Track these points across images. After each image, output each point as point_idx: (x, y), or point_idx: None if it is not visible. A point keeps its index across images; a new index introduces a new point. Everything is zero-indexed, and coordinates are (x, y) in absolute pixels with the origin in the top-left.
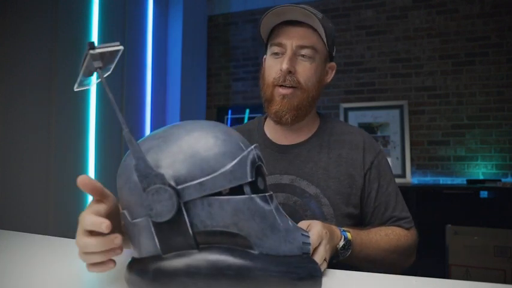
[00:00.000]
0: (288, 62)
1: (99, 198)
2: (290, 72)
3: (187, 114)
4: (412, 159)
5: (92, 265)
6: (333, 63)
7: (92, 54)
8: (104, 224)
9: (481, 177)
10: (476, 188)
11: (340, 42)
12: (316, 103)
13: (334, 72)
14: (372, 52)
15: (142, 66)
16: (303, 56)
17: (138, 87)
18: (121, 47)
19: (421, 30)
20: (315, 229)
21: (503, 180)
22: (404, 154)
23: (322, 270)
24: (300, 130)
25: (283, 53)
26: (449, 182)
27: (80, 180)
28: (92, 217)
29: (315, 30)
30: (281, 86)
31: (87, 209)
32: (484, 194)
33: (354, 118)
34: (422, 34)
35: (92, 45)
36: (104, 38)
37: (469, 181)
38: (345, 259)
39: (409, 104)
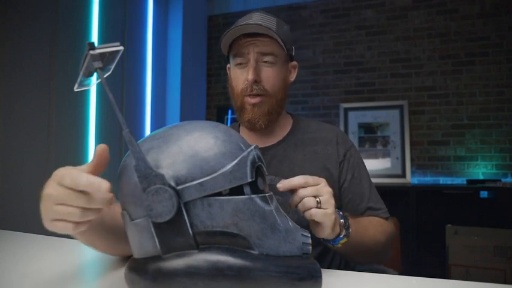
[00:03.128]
0: (253, 72)
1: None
2: (256, 81)
3: (187, 114)
4: (412, 159)
5: (70, 223)
6: (295, 62)
7: (92, 55)
8: (104, 184)
9: (481, 177)
10: (476, 188)
11: (340, 42)
12: (285, 103)
13: (297, 70)
14: (372, 52)
15: (142, 66)
16: (265, 62)
17: (138, 87)
18: (121, 48)
19: (421, 30)
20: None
21: (503, 180)
22: (404, 154)
23: (333, 218)
24: (273, 132)
25: (246, 63)
26: (449, 182)
27: (101, 149)
28: (88, 176)
29: (272, 37)
30: (249, 95)
31: (75, 168)
32: (484, 194)
33: (354, 118)
34: (422, 34)
35: (91, 46)
36: (104, 38)
37: (469, 181)
38: (344, 247)
39: (409, 104)
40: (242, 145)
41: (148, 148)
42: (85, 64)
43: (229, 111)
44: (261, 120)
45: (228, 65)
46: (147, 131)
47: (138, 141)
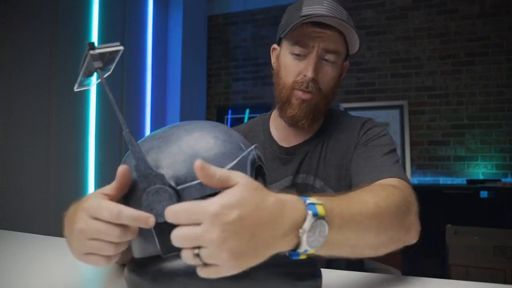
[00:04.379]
0: (313, 70)
1: (115, 196)
2: (313, 79)
3: (187, 114)
4: (412, 159)
5: (103, 257)
6: (347, 62)
7: (92, 55)
8: (152, 219)
9: (481, 177)
10: (476, 188)
11: None
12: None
13: (346, 70)
14: (372, 52)
15: (142, 66)
16: (326, 60)
17: (138, 87)
18: (121, 47)
19: (421, 30)
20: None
21: (503, 180)
22: (404, 154)
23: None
24: (309, 129)
25: (305, 55)
26: (449, 182)
27: (123, 171)
28: (129, 209)
29: (340, 33)
30: (301, 89)
31: (100, 192)
32: (484, 194)
33: None
34: (422, 34)
35: (91, 46)
36: (104, 38)
37: (469, 181)
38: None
39: (409, 104)
40: (242, 145)
41: (148, 148)
42: (85, 64)
43: (229, 111)
44: (305, 119)
45: (275, 46)
46: (147, 131)
47: (138, 141)
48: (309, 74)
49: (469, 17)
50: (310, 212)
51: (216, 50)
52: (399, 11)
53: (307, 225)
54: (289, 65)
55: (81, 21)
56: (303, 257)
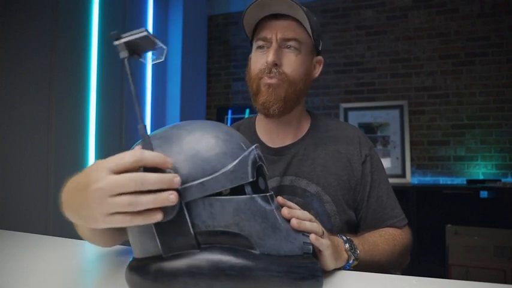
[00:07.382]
0: (273, 54)
1: None
2: (276, 64)
3: (187, 114)
4: (412, 159)
5: (136, 214)
6: (320, 58)
7: (118, 45)
8: (177, 179)
9: (481, 177)
10: (476, 188)
11: (340, 42)
12: (304, 97)
13: (321, 66)
14: (372, 52)
15: (142, 66)
16: (288, 47)
17: (138, 87)
18: (144, 33)
19: (421, 30)
20: None
21: (503, 180)
22: (404, 154)
23: (326, 246)
24: (292, 129)
25: (268, 47)
26: (449, 182)
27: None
28: (154, 153)
29: (299, 23)
30: (266, 76)
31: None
32: (484, 194)
33: (354, 118)
34: (422, 34)
35: (116, 36)
36: (104, 38)
37: (469, 181)
38: (354, 268)
39: (409, 104)
40: (243, 145)
41: None
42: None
43: (229, 111)
44: (276, 105)
45: (250, 55)
46: (147, 130)
47: (138, 141)
48: (269, 58)
49: (469, 17)
50: (341, 238)
51: (216, 50)
52: (399, 11)
53: (346, 245)
54: (255, 59)
55: (81, 21)
56: (352, 266)
